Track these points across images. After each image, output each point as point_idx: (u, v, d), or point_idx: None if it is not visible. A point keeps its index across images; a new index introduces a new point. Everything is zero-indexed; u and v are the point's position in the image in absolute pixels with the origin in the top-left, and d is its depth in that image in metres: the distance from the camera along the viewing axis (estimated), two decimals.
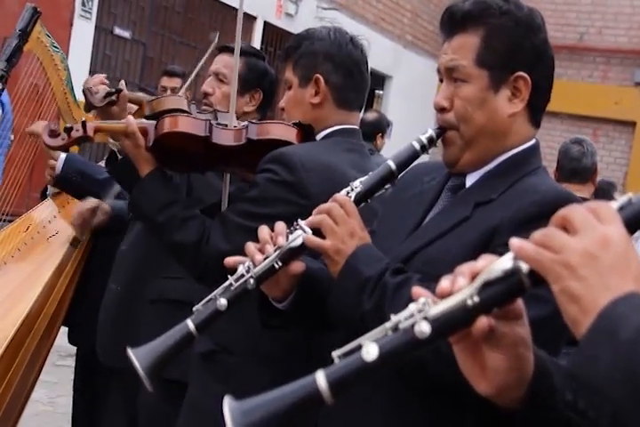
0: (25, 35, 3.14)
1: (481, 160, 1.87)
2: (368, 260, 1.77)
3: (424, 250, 1.81)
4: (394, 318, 1.11)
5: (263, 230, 1.84)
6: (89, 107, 2.91)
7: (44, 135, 2.47)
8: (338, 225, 1.78)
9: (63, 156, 3.30)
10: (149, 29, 11.96)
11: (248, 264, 1.78)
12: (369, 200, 1.88)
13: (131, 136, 2.42)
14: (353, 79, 2.53)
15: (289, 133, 2.44)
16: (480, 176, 1.87)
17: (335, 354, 1.09)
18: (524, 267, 1.07)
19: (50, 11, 7.93)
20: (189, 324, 1.70)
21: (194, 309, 1.75)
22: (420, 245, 1.82)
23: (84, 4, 10.42)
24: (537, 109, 1.90)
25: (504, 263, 1.09)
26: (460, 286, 1.11)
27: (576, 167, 4.63)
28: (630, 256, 1.03)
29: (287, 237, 1.79)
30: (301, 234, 1.79)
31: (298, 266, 1.82)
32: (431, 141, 1.88)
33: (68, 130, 2.43)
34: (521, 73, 1.83)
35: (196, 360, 2.57)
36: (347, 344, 1.11)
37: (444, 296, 1.11)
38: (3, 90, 3.12)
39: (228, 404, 1.07)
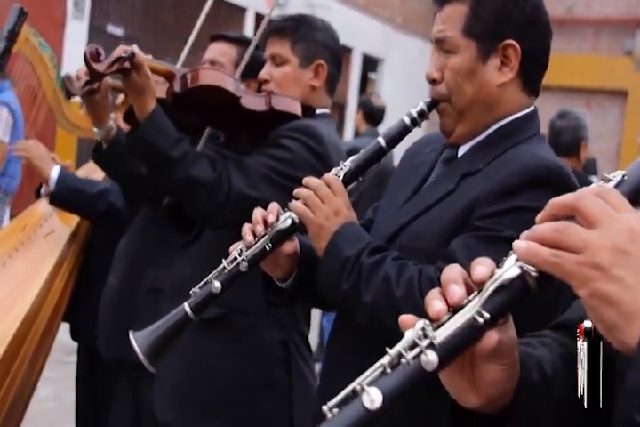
0: (12, 36, 3.14)
1: (474, 131, 1.85)
2: (350, 239, 1.78)
3: (410, 225, 1.82)
4: (392, 352, 0.93)
5: (256, 212, 1.87)
6: (67, 95, 2.87)
7: (89, 59, 2.28)
8: (324, 203, 1.80)
9: (55, 175, 3.30)
10: (141, 25, 11.93)
11: (241, 247, 1.83)
12: (360, 178, 1.90)
13: (139, 68, 2.29)
14: (340, 71, 2.78)
15: (299, 110, 2.57)
16: (470, 147, 1.86)
17: (326, 408, 0.89)
18: (533, 271, 0.94)
19: (42, 12, 7.94)
20: (186, 307, 1.79)
21: (191, 292, 1.82)
22: (406, 221, 1.83)
23: (76, 4, 10.40)
24: (531, 77, 1.84)
25: (510, 270, 0.95)
26: (458, 299, 0.97)
27: (555, 141, 4.58)
28: None
29: (278, 218, 1.83)
30: (290, 215, 1.83)
31: (290, 246, 1.86)
32: (422, 115, 1.87)
33: (118, 59, 2.27)
34: (509, 41, 1.78)
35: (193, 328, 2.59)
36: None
37: (440, 317, 0.96)
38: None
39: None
